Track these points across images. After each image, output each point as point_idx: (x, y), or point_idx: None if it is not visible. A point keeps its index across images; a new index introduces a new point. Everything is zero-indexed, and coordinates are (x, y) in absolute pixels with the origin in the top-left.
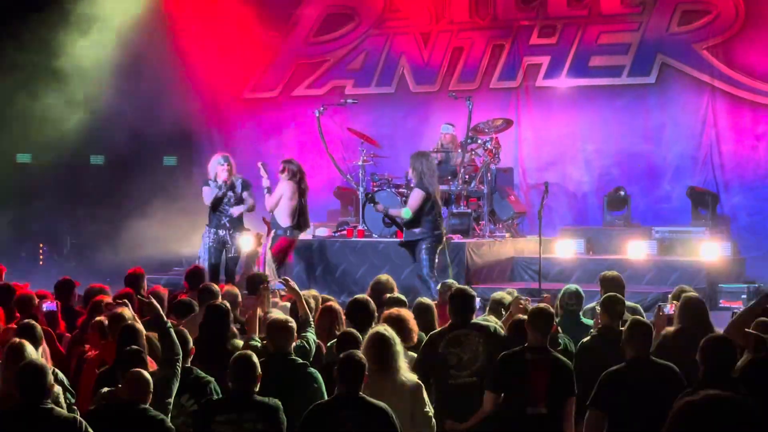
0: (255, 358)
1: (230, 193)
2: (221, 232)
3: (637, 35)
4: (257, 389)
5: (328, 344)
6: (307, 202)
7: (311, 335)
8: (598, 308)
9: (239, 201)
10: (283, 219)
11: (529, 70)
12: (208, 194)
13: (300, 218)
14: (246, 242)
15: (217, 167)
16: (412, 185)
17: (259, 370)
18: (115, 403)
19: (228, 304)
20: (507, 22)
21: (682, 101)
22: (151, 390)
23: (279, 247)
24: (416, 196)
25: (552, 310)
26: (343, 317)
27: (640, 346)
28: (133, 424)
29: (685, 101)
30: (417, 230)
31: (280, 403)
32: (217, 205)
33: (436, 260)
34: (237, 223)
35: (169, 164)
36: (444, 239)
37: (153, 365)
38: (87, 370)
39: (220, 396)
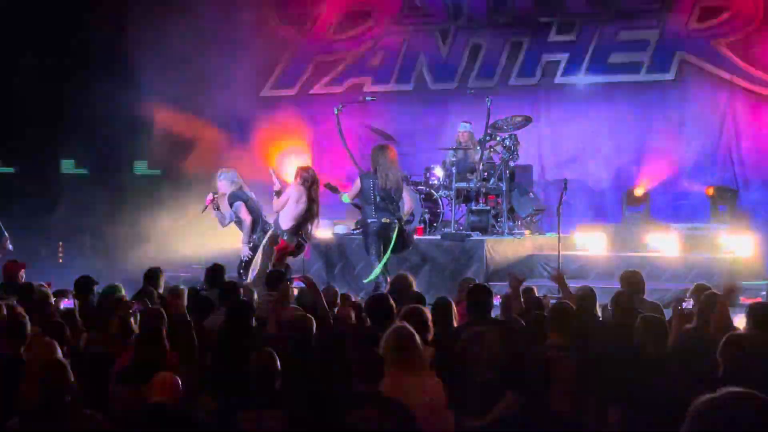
0: (274, 355)
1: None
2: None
3: (656, 32)
4: (278, 385)
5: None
6: (318, 212)
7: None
8: (609, 305)
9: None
10: (285, 222)
11: (547, 67)
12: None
13: (301, 226)
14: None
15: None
16: (431, 182)
17: (279, 366)
18: (145, 406)
19: (247, 302)
20: (526, 19)
21: (701, 98)
22: (180, 392)
23: (280, 248)
24: (354, 185)
25: (574, 307)
26: (363, 314)
27: (656, 342)
28: (166, 427)
29: (705, 98)
30: (360, 217)
31: (304, 398)
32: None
33: (376, 245)
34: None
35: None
36: (385, 227)
37: (176, 362)
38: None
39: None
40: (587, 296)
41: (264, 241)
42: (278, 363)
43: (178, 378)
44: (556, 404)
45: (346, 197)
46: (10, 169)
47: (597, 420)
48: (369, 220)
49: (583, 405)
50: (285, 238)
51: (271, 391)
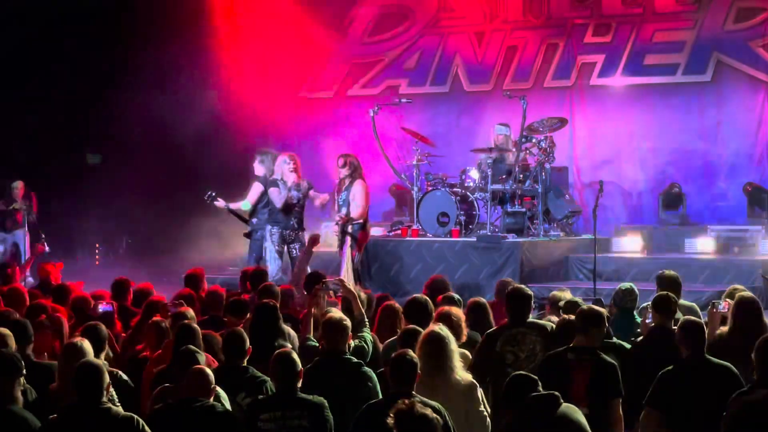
0: (295, 356)
1: (297, 194)
2: (287, 232)
3: (692, 33)
4: (299, 386)
5: (386, 342)
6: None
7: (368, 335)
8: (649, 307)
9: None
10: (364, 214)
11: (583, 69)
12: (278, 196)
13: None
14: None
15: (284, 167)
16: (467, 185)
17: (300, 367)
18: (179, 401)
19: (276, 303)
20: (561, 21)
21: (737, 99)
22: (214, 385)
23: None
24: (255, 189)
25: (602, 310)
26: (402, 316)
27: (694, 346)
28: (199, 420)
29: (741, 99)
30: (254, 220)
31: (324, 400)
32: (291, 207)
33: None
34: (302, 223)
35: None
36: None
37: (214, 363)
38: (146, 370)
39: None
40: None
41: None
42: (298, 363)
43: (211, 373)
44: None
45: (246, 203)
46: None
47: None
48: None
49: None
50: (366, 228)
51: (292, 391)
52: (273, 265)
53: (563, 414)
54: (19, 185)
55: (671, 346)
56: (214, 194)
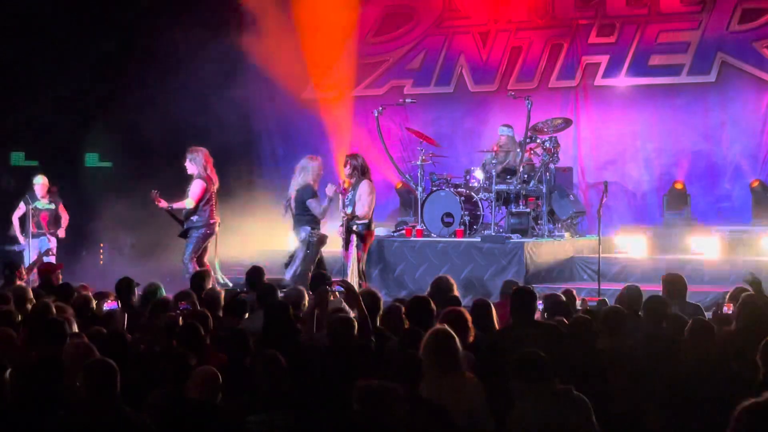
0: (278, 356)
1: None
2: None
3: (696, 34)
4: (288, 386)
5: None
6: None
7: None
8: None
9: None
10: (368, 213)
11: (587, 69)
12: (319, 210)
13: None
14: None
15: (317, 172)
16: (471, 185)
17: (284, 366)
18: (185, 401)
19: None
20: (565, 21)
21: (742, 100)
22: (220, 386)
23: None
24: (197, 187)
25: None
26: (404, 316)
27: (703, 347)
28: (204, 422)
29: (746, 100)
30: (194, 218)
31: (313, 399)
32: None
33: (203, 248)
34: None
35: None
36: (217, 229)
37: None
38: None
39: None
40: (634, 297)
41: (310, 243)
42: (282, 363)
43: (218, 373)
44: (616, 406)
45: (190, 201)
46: (109, 164)
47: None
48: (211, 221)
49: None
50: (371, 228)
51: (278, 392)
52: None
53: None
54: (41, 181)
55: (665, 348)
56: (158, 192)
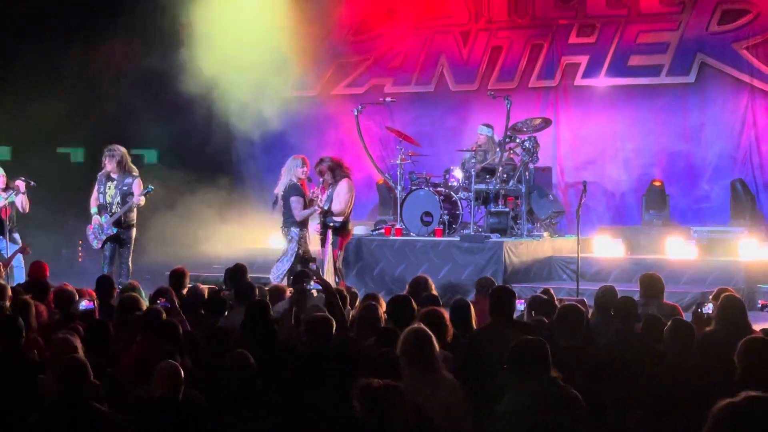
0: (248, 355)
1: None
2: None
3: (676, 34)
4: (258, 385)
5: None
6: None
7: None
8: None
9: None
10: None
11: (567, 70)
12: (300, 212)
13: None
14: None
15: (298, 171)
16: (451, 184)
17: (254, 365)
18: (150, 398)
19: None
20: (546, 21)
21: (721, 101)
22: (182, 382)
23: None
24: (140, 186)
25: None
26: (383, 315)
27: (683, 347)
28: (166, 418)
29: (725, 101)
30: (133, 216)
31: (285, 399)
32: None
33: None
34: None
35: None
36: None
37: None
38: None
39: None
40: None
41: (295, 242)
42: (252, 362)
43: (179, 369)
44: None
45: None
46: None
47: (614, 422)
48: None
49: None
50: (348, 227)
51: (250, 391)
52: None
53: None
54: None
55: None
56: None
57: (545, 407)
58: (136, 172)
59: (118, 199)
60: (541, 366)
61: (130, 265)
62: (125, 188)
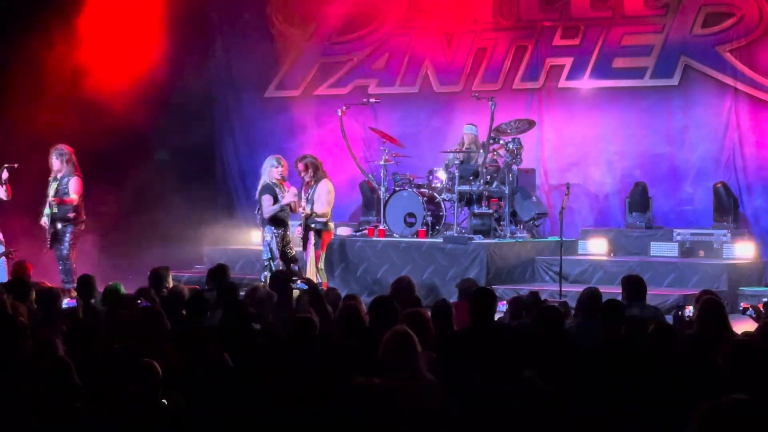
0: (223, 355)
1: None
2: (281, 232)
3: (660, 37)
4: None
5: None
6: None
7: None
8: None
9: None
10: (327, 212)
11: (551, 71)
12: (268, 208)
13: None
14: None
15: (273, 171)
16: (434, 185)
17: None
18: (130, 398)
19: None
20: (530, 23)
21: (705, 103)
22: (159, 379)
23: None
24: (77, 184)
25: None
26: (365, 316)
27: (664, 350)
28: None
29: (708, 103)
30: (72, 216)
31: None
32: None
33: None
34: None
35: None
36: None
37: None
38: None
39: None
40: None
41: (274, 241)
42: (227, 362)
43: (157, 367)
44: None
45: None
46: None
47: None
48: (80, 219)
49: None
50: (329, 227)
51: (224, 390)
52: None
53: None
54: None
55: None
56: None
57: (519, 403)
58: (79, 171)
59: (53, 197)
60: (510, 364)
61: (71, 264)
62: (62, 187)
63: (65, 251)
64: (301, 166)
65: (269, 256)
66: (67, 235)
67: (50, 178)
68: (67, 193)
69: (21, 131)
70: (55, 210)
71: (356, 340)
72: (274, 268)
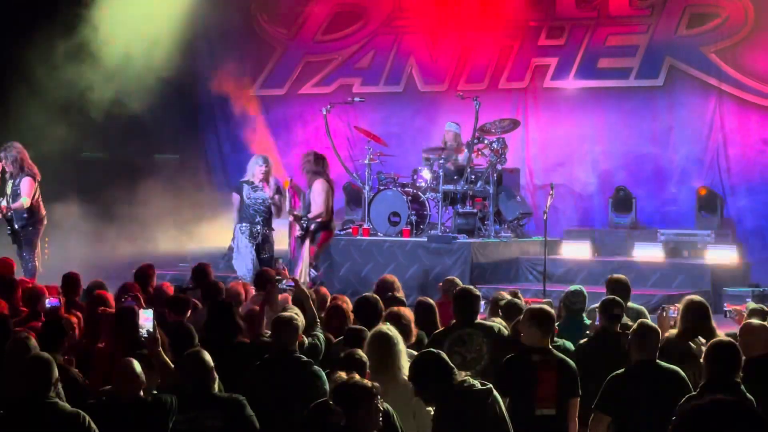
0: (206, 354)
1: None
2: (255, 229)
3: (645, 37)
4: (216, 385)
5: (336, 341)
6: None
7: (321, 334)
8: (597, 310)
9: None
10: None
11: (537, 71)
12: (234, 204)
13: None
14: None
15: (255, 168)
16: (418, 184)
17: (212, 365)
18: (111, 396)
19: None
20: (516, 23)
21: (689, 104)
22: (142, 379)
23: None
24: (28, 184)
25: (552, 310)
26: (351, 315)
27: (648, 350)
28: (130, 415)
29: (693, 104)
30: (27, 215)
31: (243, 398)
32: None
33: (38, 245)
34: (270, 223)
35: (174, 159)
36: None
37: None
38: (97, 363)
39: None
40: (578, 298)
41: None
42: (210, 362)
43: (138, 366)
44: (542, 406)
45: (26, 199)
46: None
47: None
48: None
49: (565, 407)
50: (330, 228)
51: (206, 389)
52: (247, 260)
53: None
54: None
55: (615, 349)
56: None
57: (454, 412)
58: (34, 170)
59: (10, 198)
60: (438, 375)
61: (36, 263)
62: (15, 187)
63: (25, 253)
64: (307, 161)
65: (232, 245)
66: (27, 236)
67: (6, 176)
68: (18, 195)
69: None
70: (9, 214)
71: (341, 339)
72: (230, 259)
